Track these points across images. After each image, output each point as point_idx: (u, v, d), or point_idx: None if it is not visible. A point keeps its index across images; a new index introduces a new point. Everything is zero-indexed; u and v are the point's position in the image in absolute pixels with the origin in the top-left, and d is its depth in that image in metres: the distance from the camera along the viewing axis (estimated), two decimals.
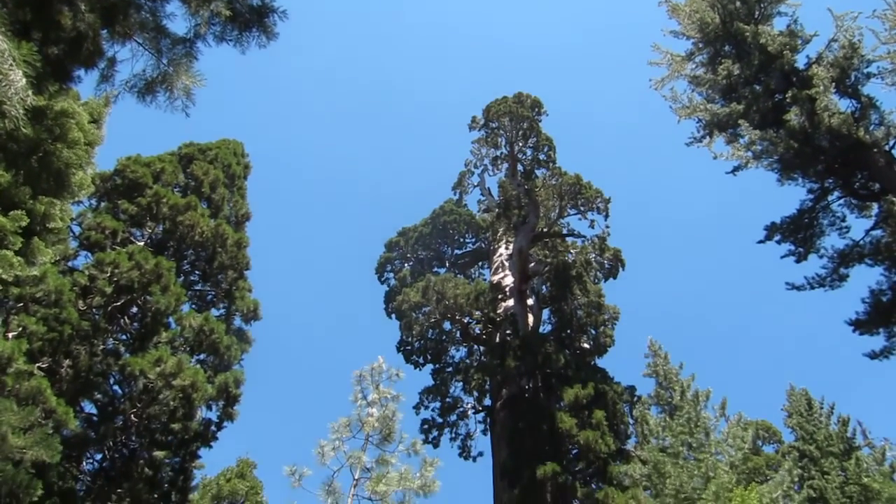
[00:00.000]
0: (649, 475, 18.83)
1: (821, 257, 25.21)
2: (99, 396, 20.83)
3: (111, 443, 20.57)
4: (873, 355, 23.24)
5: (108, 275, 20.35)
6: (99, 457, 20.98)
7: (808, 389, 33.37)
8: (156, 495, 20.50)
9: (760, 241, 25.98)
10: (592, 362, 28.52)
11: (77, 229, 23.28)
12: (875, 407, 70.71)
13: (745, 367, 77.57)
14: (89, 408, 20.90)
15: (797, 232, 25.38)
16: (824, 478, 27.87)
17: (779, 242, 25.76)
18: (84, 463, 20.68)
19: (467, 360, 32.15)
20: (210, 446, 22.59)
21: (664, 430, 19.08)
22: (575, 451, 25.55)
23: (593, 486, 24.29)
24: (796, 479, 22.90)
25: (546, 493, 24.12)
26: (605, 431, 24.09)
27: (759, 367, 78.18)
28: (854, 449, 30.22)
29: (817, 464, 28.91)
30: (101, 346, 20.46)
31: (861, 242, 24.35)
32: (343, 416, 14.05)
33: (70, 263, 22.29)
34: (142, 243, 23.38)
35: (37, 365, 16.73)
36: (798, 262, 25.66)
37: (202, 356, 23.00)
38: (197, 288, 26.19)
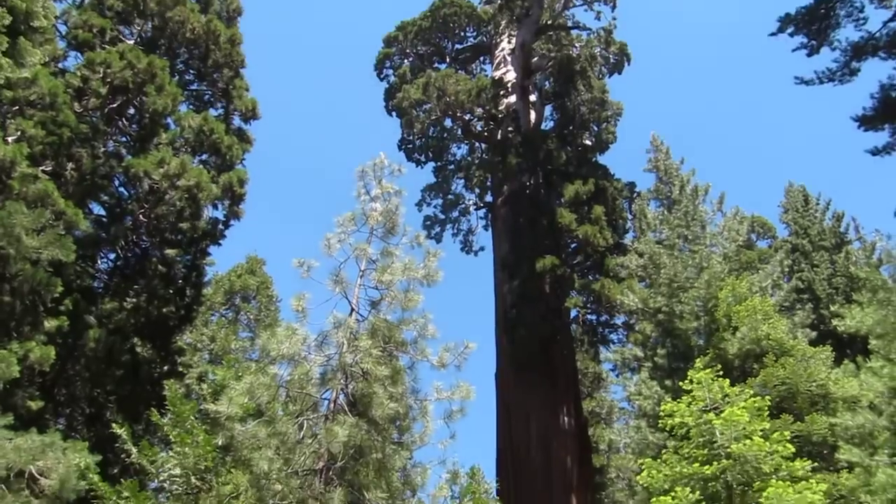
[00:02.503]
0: (644, 266, 19.52)
1: (833, 50, 24.36)
2: (106, 198, 21.06)
3: (123, 242, 21.09)
4: (875, 151, 23.06)
5: (101, 75, 19.79)
6: (112, 256, 21.61)
7: (805, 186, 33.72)
8: (171, 291, 21.34)
9: (772, 34, 25.00)
10: (593, 159, 28.53)
11: (63, 28, 22.39)
12: (871, 205, 71.77)
13: (745, 164, 77.87)
14: (98, 209, 21.20)
15: (812, 23, 24.33)
16: (813, 270, 28.89)
17: (791, 35, 24.79)
18: (99, 262, 21.35)
19: (469, 158, 32.20)
20: (219, 244, 23.18)
21: (661, 224, 19.50)
22: (573, 246, 26.29)
23: (590, 277, 25.22)
24: (786, 271, 23.75)
25: (545, 285, 25.11)
26: (604, 226, 24.61)
27: (759, 165, 78.53)
28: (845, 243, 31.06)
29: (808, 257, 29.84)
30: (103, 149, 20.38)
31: (877, 35, 23.45)
32: (347, 210, 14.19)
33: (60, 65, 21.63)
34: (132, 42, 22.56)
35: (40, 168, 16.75)
36: (810, 55, 24.82)
37: (203, 156, 22.97)
38: (193, 88, 25.62)
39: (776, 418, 13.96)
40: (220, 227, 22.74)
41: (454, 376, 18.69)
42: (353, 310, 14.18)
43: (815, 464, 13.99)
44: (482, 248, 31.69)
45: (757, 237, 36.94)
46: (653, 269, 18.65)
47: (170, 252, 21.17)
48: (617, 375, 25.47)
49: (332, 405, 13.43)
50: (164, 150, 20.11)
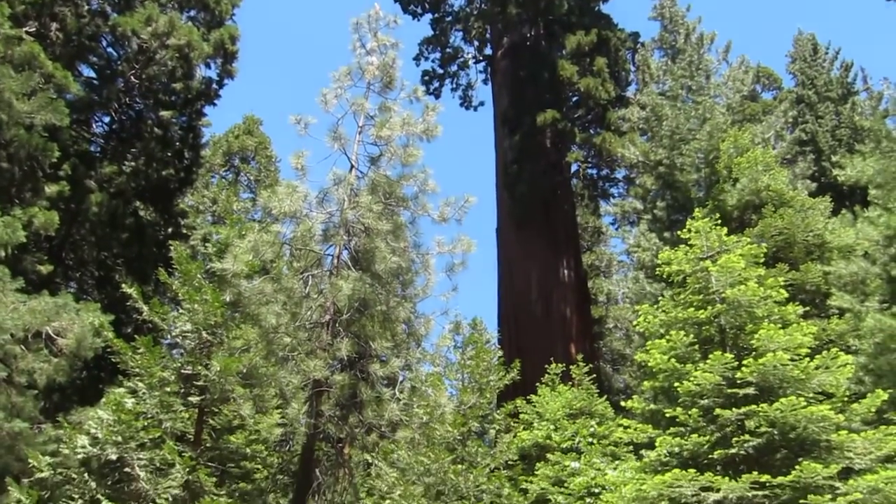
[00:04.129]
0: (646, 119, 19.23)
1: None
2: (95, 60, 20.47)
3: (116, 105, 20.71)
4: None
5: None
6: (107, 119, 21.29)
7: (815, 35, 32.63)
8: (169, 153, 21.19)
9: None
10: (597, 8, 27.41)
11: None
12: (883, 54, 69.75)
13: (754, 11, 75.08)
14: (87, 72, 20.65)
15: None
16: (818, 122, 28.49)
17: None
18: (94, 126, 21.07)
19: (467, 8, 30.91)
20: (214, 104, 22.76)
21: (665, 74, 19.04)
22: (575, 99, 25.81)
23: (591, 131, 24.94)
24: (790, 121, 23.40)
25: (545, 139, 24.89)
26: (606, 78, 24.07)
27: (769, 12, 75.73)
28: (852, 94, 30.44)
29: (813, 109, 29.32)
30: (87, 7, 19.62)
31: None
32: (343, 65, 13.82)
33: None
34: None
35: (24, 30, 16.17)
36: None
37: (192, 12, 22.16)
38: None
39: (772, 267, 14.22)
40: (214, 86, 22.24)
41: (455, 230, 18.82)
42: (352, 166, 14.13)
43: (808, 309, 14.42)
44: (482, 103, 31.14)
45: (763, 88, 36.17)
46: (655, 121, 18.38)
47: (165, 114, 20.84)
48: (616, 229, 25.77)
49: (335, 261, 13.67)
50: (151, 6, 19.34)
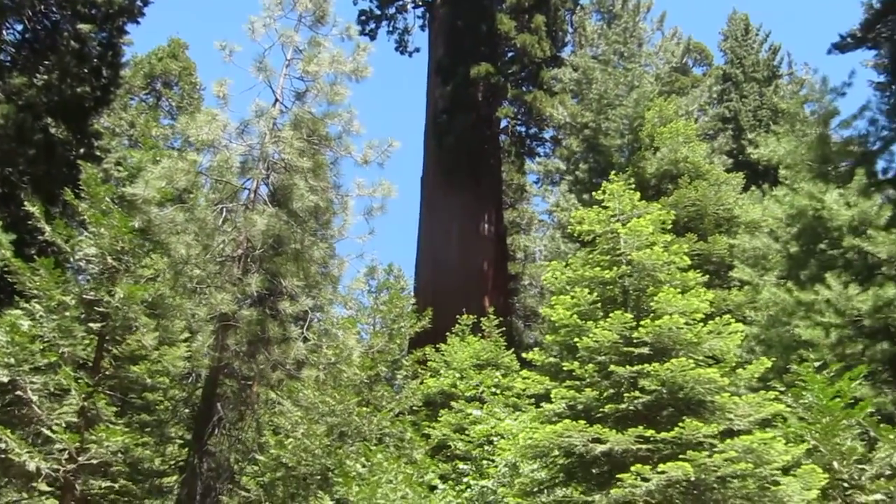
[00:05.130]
0: (578, 81, 19.40)
1: None
2: None
3: (30, 12, 19.55)
4: None
5: None
6: (20, 28, 20.08)
7: (748, 15, 33.35)
8: (85, 70, 20.16)
9: None
10: None
11: None
12: (810, 41, 71.91)
13: None
14: None
15: None
16: (742, 100, 29.30)
17: None
18: (4, 33, 19.85)
19: None
20: (137, 22, 21.70)
21: (599, 38, 19.19)
22: (511, 54, 25.79)
23: (524, 88, 25.02)
24: (715, 97, 24.02)
25: (478, 92, 24.84)
26: (543, 37, 24.09)
27: None
28: (776, 77, 31.40)
29: (739, 87, 30.12)
30: None
31: None
32: None
33: None
34: None
35: None
36: None
37: None
38: None
39: (682, 236, 14.70)
40: (139, 2, 21.21)
41: (377, 174, 18.62)
42: (276, 100, 13.82)
43: (712, 279, 15.01)
44: (417, 50, 30.73)
45: (694, 63, 36.93)
46: (585, 84, 18.57)
47: (83, 27, 19.76)
48: (539, 187, 26.06)
49: (252, 195, 13.43)
50: None
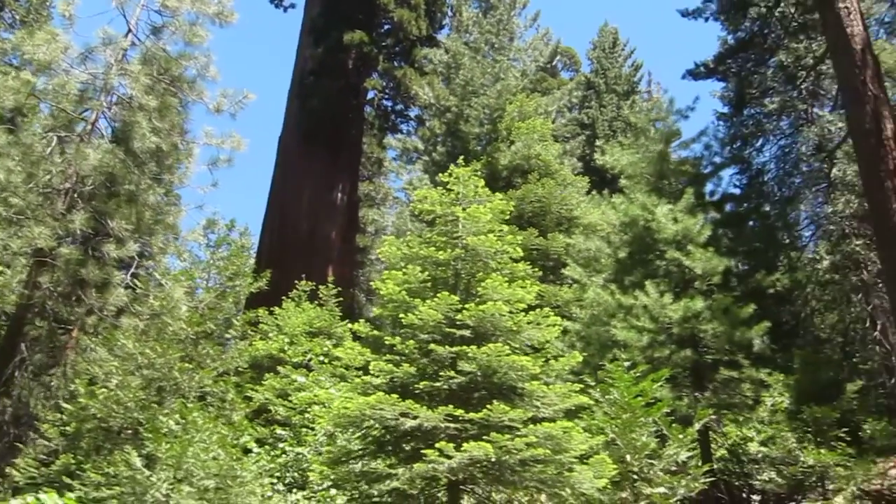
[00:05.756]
0: (447, 64, 19.54)
1: None
2: None
3: None
4: (685, 13, 24.02)
5: None
6: None
7: (618, 29, 34.90)
8: None
9: None
10: None
11: None
12: (671, 63, 76.02)
13: None
14: None
15: None
16: (601, 109, 30.66)
17: None
18: None
19: None
20: None
21: (474, 25, 19.39)
22: (387, 27, 25.53)
23: (395, 63, 24.88)
24: (576, 101, 24.95)
25: (349, 59, 24.43)
26: (422, 15, 24.01)
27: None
28: (635, 92, 33.10)
29: (599, 97, 31.50)
30: None
31: None
32: None
33: None
34: None
35: None
36: None
37: None
38: None
39: (524, 230, 15.22)
40: None
41: (229, 125, 17.93)
42: (129, 30, 13.01)
43: (547, 274, 15.63)
44: (293, 6, 29.78)
45: (563, 66, 38.19)
46: (454, 68, 18.74)
47: None
48: (398, 164, 26.06)
49: (89, 127, 12.58)
50: None
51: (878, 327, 22.12)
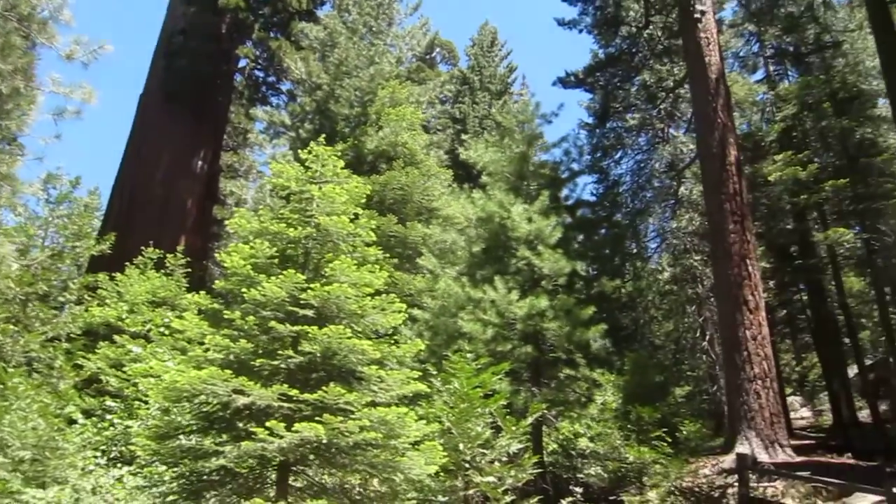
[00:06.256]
0: (324, 42, 19.20)
1: None
2: None
3: None
4: (562, 22, 24.80)
5: None
6: None
7: (497, 29, 35.51)
8: None
9: None
10: None
11: None
12: (546, 68, 78.13)
13: None
14: None
15: None
16: (473, 105, 31.11)
17: None
18: None
19: None
20: None
21: (354, 5, 19.15)
22: None
23: (272, 34, 24.18)
24: (450, 95, 25.20)
25: (223, 23, 23.60)
26: None
27: None
28: (508, 93, 33.82)
29: (473, 93, 31.94)
30: None
31: None
32: None
33: None
34: None
35: None
36: None
37: None
38: None
39: (384, 216, 15.22)
40: None
41: (81, 75, 16.87)
42: None
43: (403, 262, 15.71)
44: None
45: (441, 59, 38.45)
46: (329, 46, 18.43)
47: None
48: (263, 137, 25.38)
49: None
50: None
51: (707, 338, 23.84)
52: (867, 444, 17.62)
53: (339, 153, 9.62)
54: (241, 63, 25.24)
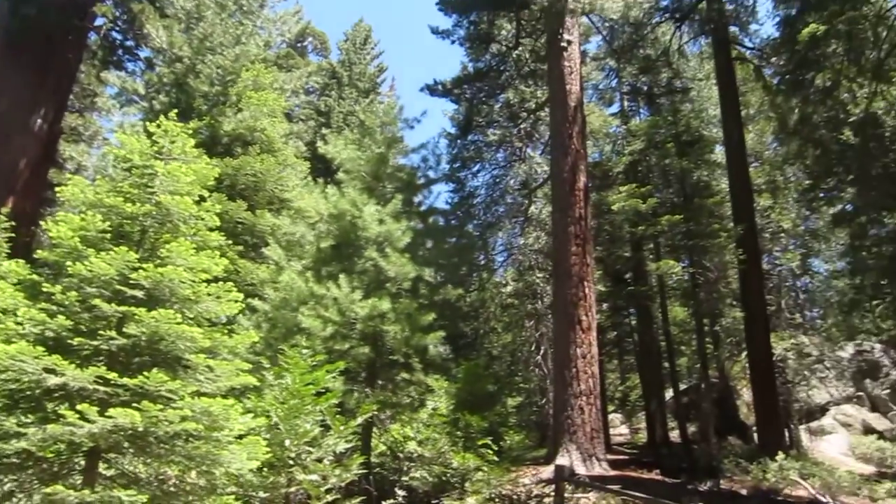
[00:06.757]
0: (190, 13, 18.41)
1: None
2: None
3: None
4: (435, 30, 25.08)
5: None
6: None
7: (371, 28, 35.45)
8: None
9: None
10: None
11: None
12: (421, 73, 78.86)
13: None
14: None
15: None
16: (339, 101, 30.86)
17: None
18: None
19: None
20: None
21: None
22: None
23: None
24: (318, 87, 24.83)
25: None
26: None
27: None
28: (376, 92, 33.82)
29: (341, 88, 31.69)
30: None
31: None
32: None
33: None
34: None
35: None
36: None
37: None
38: None
39: (234, 201, 14.79)
40: None
41: None
42: None
43: (248, 250, 15.32)
44: None
45: (313, 49, 37.88)
46: (196, 18, 17.70)
47: None
48: (115, 104, 23.93)
49: None
50: None
51: (542, 352, 24.86)
52: (674, 462, 18.98)
53: (193, 131, 9.24)
54: (99, 22, 23.73)
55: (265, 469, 9.62)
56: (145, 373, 6.90)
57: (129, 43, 24.49)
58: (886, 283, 17.34)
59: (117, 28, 24.14)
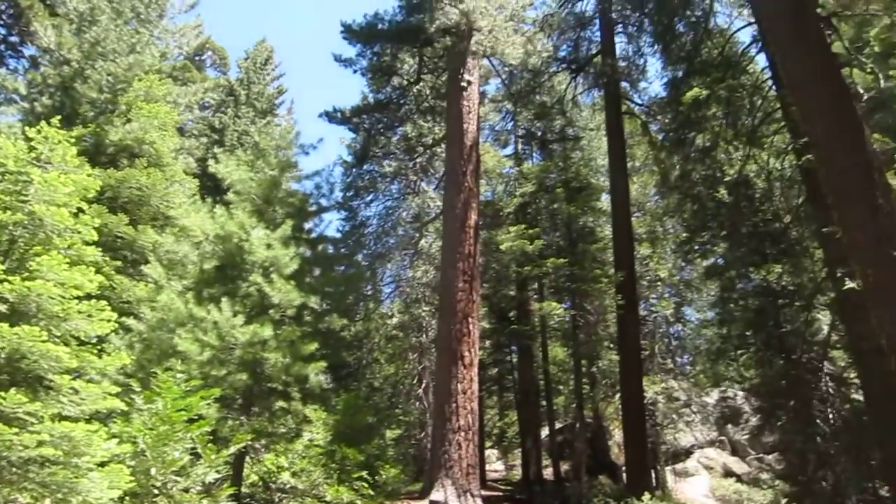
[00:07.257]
0: (83, 15, 17.66)
1: None
2: None
3: None
4: (339, 58, 25.03)
5: None
6: None
7: (273, 49, 35.05)
8: None
9: None
10: None
11: None
12: (317, 101, 78.58)
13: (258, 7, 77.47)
14: None
15: None
16: (235, 119, 30.18)
17: None
18: None
19: None
20: None
21: None
22: None
23: None
24: (213, 103, 24.27)
25: None
26: None
27: (268, 15, 79.03)
28: (273, 114, 33.37)
29: (238, 107, 31.05)
30: None
31: None
32: None
33: None
34: None
35: None
36: None
37: None
38: None
39: (115, 214, 14.19)
40: None
41: None
42: None
43: (127, 266, 14.68)
44: None
45: (212, 64, 37.03)
46: (89, 22, 16.98)
47: None
48: None
49: None
50: None
51: (423, 386, 24.91)
52: (547, 499, 19.34)
53: (76, 138, 8.87)
54: None
55: (127, 498, 9.18)
56: (2, 393, 6.48)
57: (14, 38, 23.23)
58: (750, 335, 18.38)
59: (2, 22, 22.88)
